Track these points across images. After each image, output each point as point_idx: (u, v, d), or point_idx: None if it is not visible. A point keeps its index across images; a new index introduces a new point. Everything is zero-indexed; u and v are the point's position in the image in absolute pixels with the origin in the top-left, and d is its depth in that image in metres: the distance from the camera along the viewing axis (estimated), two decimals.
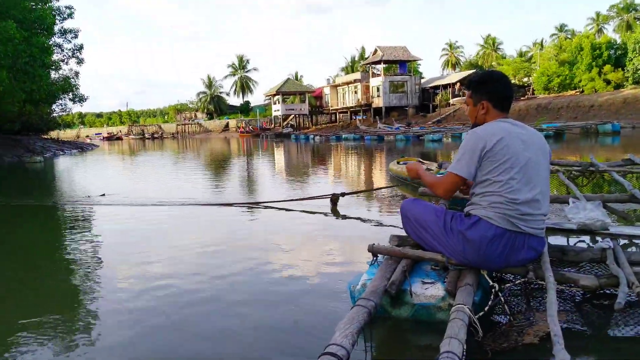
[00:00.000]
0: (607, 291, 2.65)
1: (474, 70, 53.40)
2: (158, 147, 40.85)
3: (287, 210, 6.73)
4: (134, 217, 6.88)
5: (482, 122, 2.65)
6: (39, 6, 22.71)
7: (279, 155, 23.39)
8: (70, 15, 26.07)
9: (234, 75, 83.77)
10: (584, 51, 40.45)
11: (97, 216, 7.26)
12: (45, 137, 46.39)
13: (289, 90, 61.28)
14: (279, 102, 61.39)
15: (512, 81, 48.50)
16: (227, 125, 76.11)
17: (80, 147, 43.50)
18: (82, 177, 16.00)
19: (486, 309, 2.35)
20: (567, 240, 3.47)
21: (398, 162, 9.91)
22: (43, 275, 4.29)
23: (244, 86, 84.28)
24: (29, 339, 2.79)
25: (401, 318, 2.59)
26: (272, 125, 65.11)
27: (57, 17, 24.63)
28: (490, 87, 2.64)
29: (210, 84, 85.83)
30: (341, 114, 59.89)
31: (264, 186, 10.80)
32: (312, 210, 6.54)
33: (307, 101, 61.99)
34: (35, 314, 3.20)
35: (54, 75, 26.39)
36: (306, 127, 61.22)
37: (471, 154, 2.48)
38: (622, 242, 3.50)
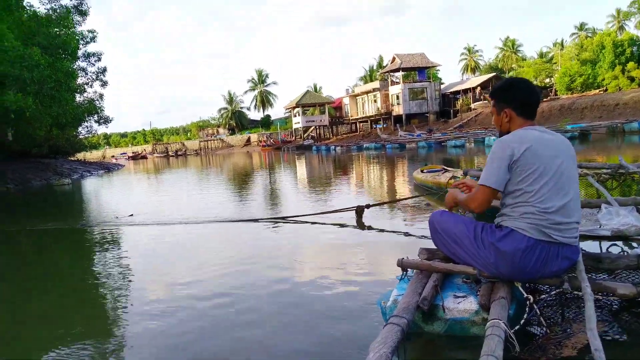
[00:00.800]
0: None
1: (494, 74, 53.03)
2: (182, 165, 41.36)
3: (311, 223, 6.73)
4: (162, 236, 6.96)
5: (507, 131, 2.62)
6: (63, 31, 23.30)
7: (301, 167, 23.46)
8: (93, 39, 26.69)
9: (254, 89, 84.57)
10: (605, 49, 39.78)
11: (125, 237, 7.36)
12: (72, 159, 47.38)
13: (309, 102, 61.56)
14: (299, 115, 61.69)
15: (534, 83, 47.97)
16: (248, 140, 76.73)
17: (107, 168, 44.28)
18: (109, 197, 16.27)
19: (522, 322, 2.30)
20: (601, 247, 3.39)
21: (422, 171, 9.85)
22: (73, 299, 4.35)
23: (264, 100, 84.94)
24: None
25: (434, 334, 2.55)
26: (293, 137, 65.42)
27: (80, 41, 25.24)
28: (512, 94, 2.60)
29: (231, 99, 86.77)
30: (361, 124, 59.88)
31: (287, 200, 10.82)
32: (337, 222, 6.53)
33: (327, 112, 62.16)
34: (66, 337, 3.25)
35: (78, 98, 26.99)
36: (327, 138, 61.35)
37: (499, 164, 2.44)
38: None
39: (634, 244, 3.25)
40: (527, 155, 2.39)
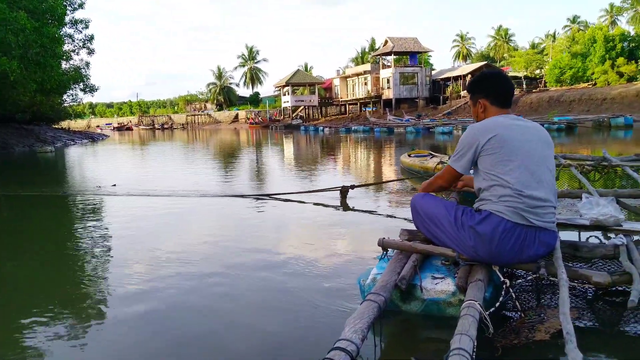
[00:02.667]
0: (620, 288, 2.63)
1: (485, 62, 53.07)
2: (168, 138, 41.02)
3: (296, 202, 6.73)
4: (145, 207, 6.91)
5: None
6: None
7: (288, 146, 23.38)
8: (81, 6, 26.16)
9: (244, 66, 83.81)
10: (597, 43, 39.96)
11: (108, 207, 7.30)
12: (56, 126, 46.68)
13: (299, 82, 61.19)
14: (288, 94, 61.32)
15: (524, 73, 48.13)
16: (236, 117, 76.19)
17: (91, 137, 43.80)
18: (93, 167, 16.11)
19: (497, 305, 2.33)
20: (579, 236, 3.43)
21: (409, 155, 9.87)
22: (53, 266, 4.32)
23: (254, 77, 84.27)
24: (38, 330, 2.82)
25: (411, 313, 2.58)
26: (282, 116, 65.09)
27: (67, 7, 24.69)
28: (486, 84, 2.70)
29: (220, 75, 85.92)
30: (351, 106, 59.72)
31: (273, 178, 10.80)
32: (321, 202, 6.53)
33: (316, 92, 61.88)
34: (44, 305, 3.24)
35: (64, 65, 26.51)
36: (315, 118, 61.17)
37: (467, 150, 2.55)
38: (636, 238, 3.46)
39: (612, 235, 3.29)
40: (493, 142, 2.46)
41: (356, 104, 58.10)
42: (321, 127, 42.66)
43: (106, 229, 5.66)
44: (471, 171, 2.68)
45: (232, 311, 2.97)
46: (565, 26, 68.65)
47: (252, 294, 3.24)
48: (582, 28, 60.95)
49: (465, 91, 45.70)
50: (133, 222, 5.97)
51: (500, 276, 2.50)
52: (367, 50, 72.50)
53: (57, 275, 4.05)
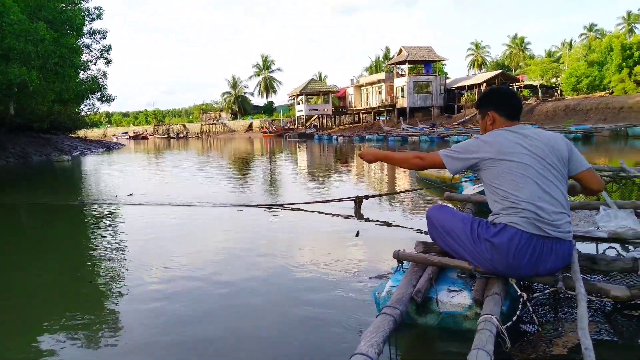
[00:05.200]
0: (639, 302, 2.59)
1: (500, 71, 52.78)
2: (183, 147, 41.32)
3: (310, 212, 6.74)
4: (160, 217, 6.96)
5: None
6: (69, 7, 23.12)
7: (302, 155, 23.43)
8: (99, 17, 26.51)
9: (259, 75, 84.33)
10: (614, 52, 39.52)
11: (123, 216, 7.37)
12: (73, 136, 47.33)
13: (313, 91, 61.36)
14: (302, 103, 61.50)
15: (540, 82, 47.79)
16: (250, 125, 76.59)
17: (107, 146, 44.29)
18: (109, 176, 16.28)
19: (514, 319, 2.32)
20: (597, 249, 3.39)
21: None
22: (69, 274, 4.38)
23: (268, 86, 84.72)
24: (55, 336, 2.86)
25: (427, 326, 2.57)
26: (296, 125, 65.28)
27: (86, 18, 25.07)
28: (495, 98, 2.75)
29: (234, 84, 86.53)
30: (364, 115, 59.72)
31: (286, 187, 10.83)
32: (335, 212, 6.54)
33: (330, 101, 61.98)
34: (61, 312, 3.28)
35: (82, 75, 26.86)
36: (329, 127, 61.23)
37: (466, 157, 2.57)
38: None
39: (630, 247, 3.26)
40: (502, 154, 2.47)
41: (370, 112, 58.08)
42: (335, 136, 42.72)
43: (122, 237, 5.72)
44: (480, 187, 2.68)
45: (246, 323, 2.98)
46: (582, 34, 68.20)
47: (267, 305, 3.24)
48: (598, 36, 60.40)
49: None
50: (148, 231, 6.02)
51: (518, 289, 2.48)
52: (381, 59, 72.59)
53: (74, 282, 4.11)
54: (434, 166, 2.71)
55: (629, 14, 62.84)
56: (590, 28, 68.02)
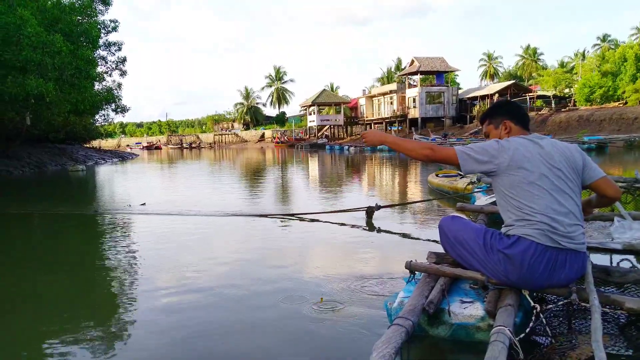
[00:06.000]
0: None
1: (512, 81, 52.61)
2: (195, 157, 41.60)
3: (321, 222, 6.75)
4: (173, 226, 7.01)
5: None
6: (85, 20, 23.50)
7: (314, 165, 23.47)
8: (114, 29, 26.89)
9: (271, 86, 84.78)
10: (627, 62, 39.25)
11: (137, 225, 7.43)
12: (88, 146, 47.89)
13: (325, 101, 61.60)
14: (314, 113, 61.74)
15: (553, 92, 47.52)
16: (262, 136, 76.96)
17: (121, 156, 44.73)
18: (123, 185, 16.43)
19: (527, 330, 2.30)
20: (611, 261, 3.36)
21: (437, 175, 9.82)
22: (82, 283, 4.42)
23: (280, 97, 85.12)
24: (64, 345, 2.88)
25: (439, 337, 2.56)
26: (307, 135, 65.48)
27: (102, 30, 25.45)
28: (508, 108, 2.77)
29: (247, 94, 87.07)
30: (376, 125, 59.76)
31: (298, 197, 10.85)
32: (347, 222, 6.54)
33: (342, 112, 62.15)
34: (72, 320, 3.31)
35: (97, 86, 27.22)
36: (341, 137, 61.37)
37: (484, 160, 2.48)
38: None
39: None
40: (514, 166, 2.43)
41: (382, 123, 58.10)
42: (346, 146, 42.79)
43: (134, 247, 5.76)
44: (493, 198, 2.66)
45: (257, 333, 2.98)
46: (595, 45, 67.76)
47: (277, 315, 3.24)
48: (612, 47, 59.95)
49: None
50: (161, 240, 6.07)
51: (531, 301, 2.46)
52: (393, 70, 72.70)
53: (85, 291, 4.15)
54: (445, 161, 2.56)
55: None
56: (604, 39, 67.62)
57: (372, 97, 60.74)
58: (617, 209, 4.46)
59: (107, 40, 26.98)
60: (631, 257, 3.50)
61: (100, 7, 25.05)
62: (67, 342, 2.92)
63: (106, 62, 27.64)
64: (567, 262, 2.42)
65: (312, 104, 60.88)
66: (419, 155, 2.60)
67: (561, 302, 2.55)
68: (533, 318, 2.39)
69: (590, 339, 1.96)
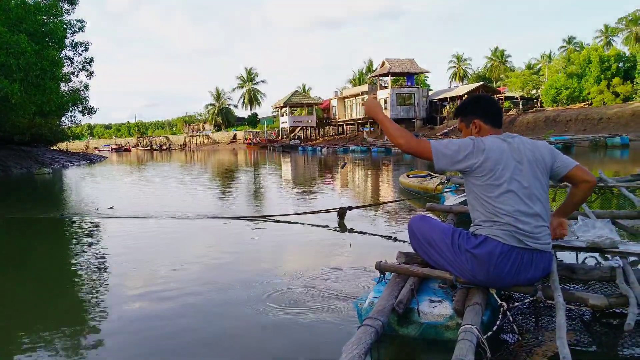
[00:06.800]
0: (617, 310, 2.63)
1: (481, 83, 53.45)
2: (166, 159, 41.06)
3: (293, 223, 6.73)
4: (142, 230, 6.90)
5: None
6: (50, 20, 22.93)
7: (286, 167, 23.42)
8: (81, 29, 26.31)
9: (242, 87, 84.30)
10: (592, 64, 40.34)
11: (105, 229, 7.29)
12: (54, 148, 46.80)
13: (297, 103, 61.54)
14: (286, 114, 61.64)
15: (521, 94, 48.49)
16: (234, 137, 76.44)
17: (89, 159, 43.84)
18: (90, 189, 16.09)
19: (494, 329, 2.33)
20: (576, 258, 3.43)
21: (408, 175, 9.89)
22: (49, 288, 4.30)
23: (252, 98, 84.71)
24: (31, 352, 2.80)
25: (409, 337, 2.57)
26: (280, 137, 65.31)
27: (68, 30, 24.87)
28: (478, 106, 2.71)
29: (218, 96, 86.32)
30: (348, 126, 59.98)
31: (270, 199, 10.81)
32: (319, 223, 6.54)
33: (314, 113, 62.18)
34: (39, 327, 3.22)
35: (64, 87, 26.60)
36: (313, 139, 61.39)
37: (459, 159, 2.47)
38: (632, 259, 3.47)
39: (609, 256, 3.30)
40: (486, 165, 2.44)
41: (354, 124, 58.35)
42: (319, 148, 42.85)
43: (103, 251, 5.65)
44: (463, 198, 2.67)
45: (226, 334, 2.95)
46: (561, 47, 69.30)
47: (247, 316, 3.21)
48: (577, 49, 61.46)
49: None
50: (130, 244, 5.96)
51: (498, 299, 2.50)
52: (364, 71, 73.05)
53: (52, 296, 4.04)
54: (419, 154, 2.53)
55: (607, 27, 64.10)
56: (569, 41, 69.24)
57: (344, 98, 60.92)
58: (582, 208, 4.56)
59: (73, 40, 26.40)
60: (596, 255, 3.58)
61: (67, 6, 24.50)
62: (33, 349, 2.84)
63: (72, 63, 27.04)
64: (533, 261, 2.46)
65: (284, 105, 60.75)
66: (395, 142, 2.55)
67: (527, 300, 2.59)
68: (500, 316, 2.42)
69: (556, 335, 2.00)
